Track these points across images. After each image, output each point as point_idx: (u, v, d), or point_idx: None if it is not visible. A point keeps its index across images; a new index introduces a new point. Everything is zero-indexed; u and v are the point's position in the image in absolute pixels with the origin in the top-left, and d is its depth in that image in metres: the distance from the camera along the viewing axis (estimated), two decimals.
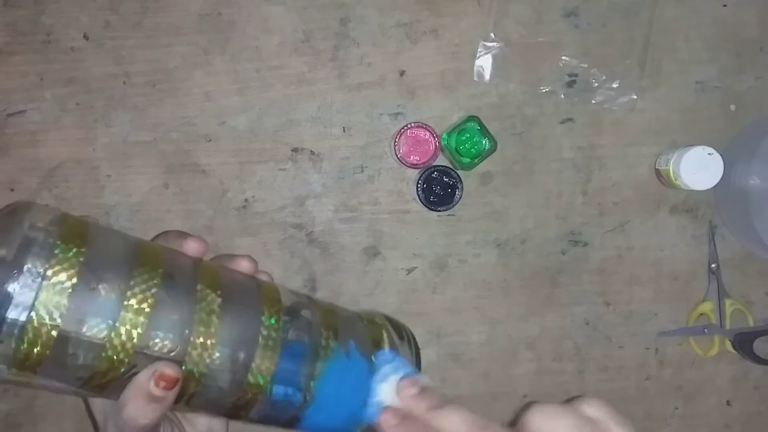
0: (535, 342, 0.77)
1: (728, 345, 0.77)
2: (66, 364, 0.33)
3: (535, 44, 0.75)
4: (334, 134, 0.75)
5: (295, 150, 0.75)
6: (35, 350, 0.32)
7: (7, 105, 0.74)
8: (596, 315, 0.77)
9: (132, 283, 0.34)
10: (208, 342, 0.35)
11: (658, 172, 0.76)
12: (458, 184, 0.73)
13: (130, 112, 0.74)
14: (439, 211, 0.74)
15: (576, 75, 0.76)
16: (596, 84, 0.76)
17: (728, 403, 0.79)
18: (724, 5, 0.76)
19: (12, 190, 0.74)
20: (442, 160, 0.74)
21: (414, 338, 0.45)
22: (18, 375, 0.32)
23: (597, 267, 0.77)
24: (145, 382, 0.34)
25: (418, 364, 0.44)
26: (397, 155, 0.72)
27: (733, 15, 0.76)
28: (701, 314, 0.77)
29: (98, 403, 0.40)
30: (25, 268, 0.31)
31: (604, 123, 0.76)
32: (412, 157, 0.72)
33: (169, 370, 0.34)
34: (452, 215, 0.76)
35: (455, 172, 0.73)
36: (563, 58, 0.75)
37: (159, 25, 0.74)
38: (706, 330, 0.77)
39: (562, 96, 0.76)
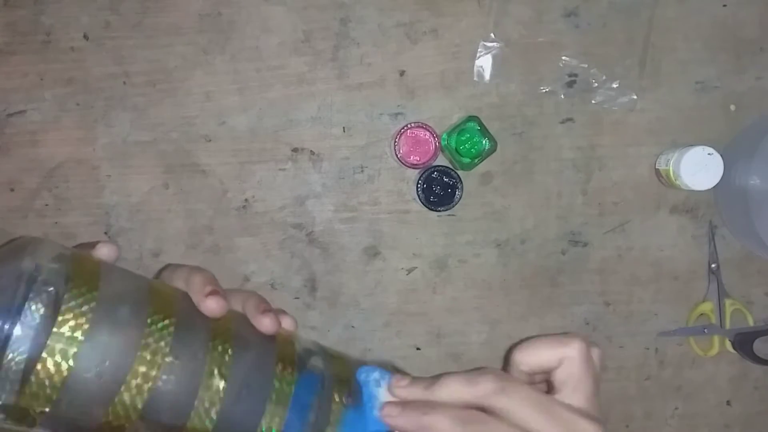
0: None
1: (728, 345, 0.77)
2: (69, 417, 0.31)
3: (535, 44, 0.75)
4: (334, 134, 0.75)
5: (295, 150, 0.75)
6: (38, 401, 0.30)
7: (7, 105, 0.74)
8: (596, 315, 0.77)
9: (143, 343, 0.32)
10: (212, 409, 0.34)
11: (658, 172, 0.76)
12: (458, 184, 0.73)
13: (130, 112, 0.74)
14: (439, 211, 0.74)
15: (576, 75, 0.76)
16: (596, 84, 0.76)
17: (728, 403, 0.79)
18: (724, 5, 0.76)
19: (12, 190, 0.74)
20: (442, 160, 0.74)
21: None
22: (17, 424, 0.31)
23: (597, 267, 0.77)
24: None
25: None
26: (397, 155, 0.72)
27: (733, 15, 0.76)
28: (701, 314, 0.77)
29: None
30: (31, 315, 0.29)
31: (604, 123, 0.76)
32: (412, 157, 0.72)
33: None
34: (452, 215, 0.76)
35: (455, 172, 0.73)
36: (563, 58, 0.75)
37: (159, 25, 0.74)
38: (706, 330, 0.77)
39: (562, 96, 0.76)
